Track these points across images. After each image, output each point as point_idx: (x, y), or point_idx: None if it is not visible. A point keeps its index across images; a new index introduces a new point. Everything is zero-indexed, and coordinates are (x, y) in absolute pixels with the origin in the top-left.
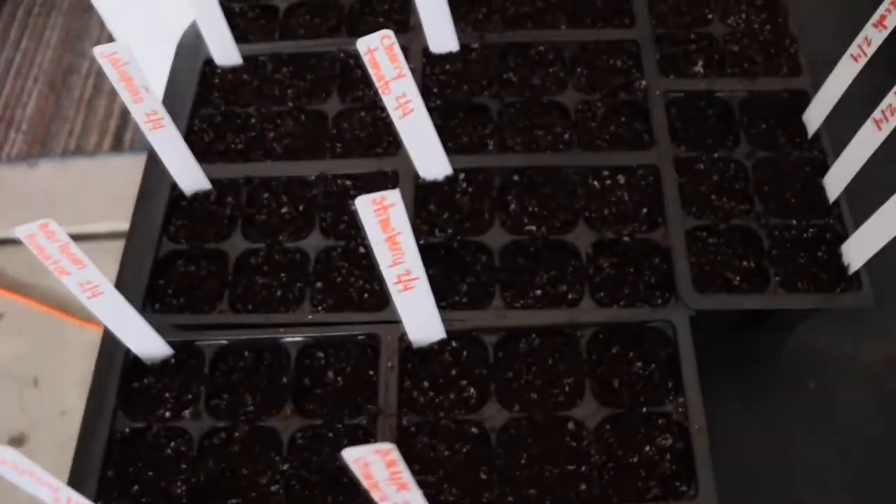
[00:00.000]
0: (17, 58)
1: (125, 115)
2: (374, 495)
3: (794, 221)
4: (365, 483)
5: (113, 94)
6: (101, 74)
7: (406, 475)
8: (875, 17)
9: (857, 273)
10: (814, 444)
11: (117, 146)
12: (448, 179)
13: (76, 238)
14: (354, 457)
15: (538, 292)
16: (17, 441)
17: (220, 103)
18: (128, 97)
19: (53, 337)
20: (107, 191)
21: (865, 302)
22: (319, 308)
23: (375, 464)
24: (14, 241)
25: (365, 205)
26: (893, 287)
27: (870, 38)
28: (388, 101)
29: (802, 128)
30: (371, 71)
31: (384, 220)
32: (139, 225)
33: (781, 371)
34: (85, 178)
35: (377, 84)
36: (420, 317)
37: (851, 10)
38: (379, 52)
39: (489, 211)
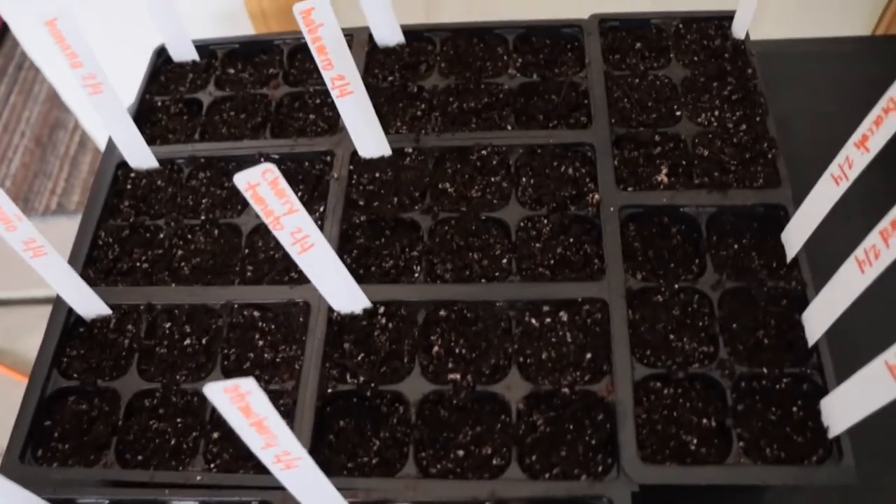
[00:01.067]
0: (5, 113)
1: None
2: None
3: (765, 370)
4: None
5: (98, 151)
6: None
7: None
8: (856, 136)
9: (837, 438)
10: None
11: None
12: (366, 313)
13: (45, 302)
14: None
15: (460, 453)
16: None
17: (129, 213)
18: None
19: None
20: None
21: (846, 477)
22: (212, 466)
23: None
24: None
25: (217, 394)
26: (880, 446)
27: (851, 160)
28: (283, 238)
29: (780, 250)
30: (256, 207)
31: (243, 407)
32: (39, 358)
33: None
34: (66, 237)
35: (266, 220)
36: (312, 492)
37: (841, 99)
38: (262, 187)
39: (409, 353)
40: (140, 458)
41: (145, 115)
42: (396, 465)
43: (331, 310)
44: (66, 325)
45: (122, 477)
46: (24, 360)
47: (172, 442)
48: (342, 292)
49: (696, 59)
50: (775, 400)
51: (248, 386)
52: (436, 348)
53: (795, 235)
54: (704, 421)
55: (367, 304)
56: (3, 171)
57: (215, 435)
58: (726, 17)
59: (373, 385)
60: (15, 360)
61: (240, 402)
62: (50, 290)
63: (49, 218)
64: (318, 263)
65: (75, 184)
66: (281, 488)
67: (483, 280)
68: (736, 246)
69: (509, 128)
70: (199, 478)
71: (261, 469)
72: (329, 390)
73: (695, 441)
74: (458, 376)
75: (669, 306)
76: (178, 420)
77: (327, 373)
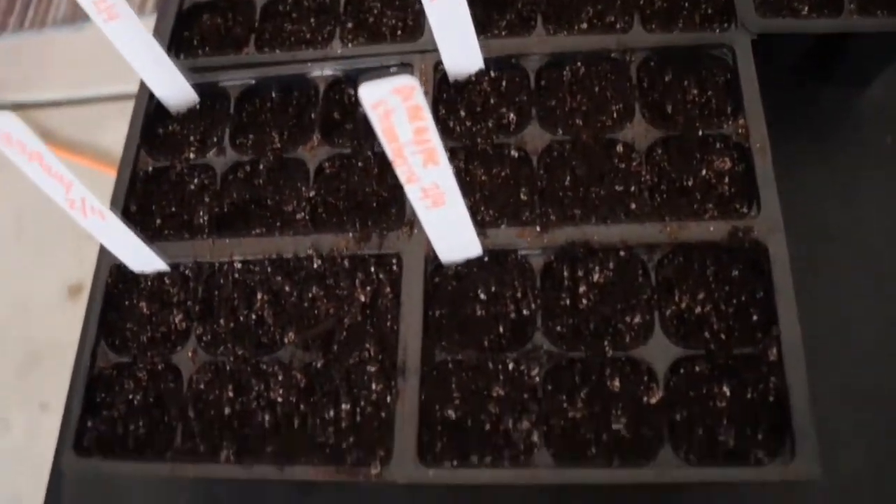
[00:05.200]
0: None
1: None
2: (399, 169)
3: None
4: (388, 149)
5: None
6: None
7: (433, 137)
8: None
9: None
10: (886, 201)
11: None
12: None
13: (121, 97)
14: (375, 100)
15: (583, 25)
16: (76, 289)
17: None
18: None
19: (106, 195)
20: None
21: None
22: (349, 44)
23: (398, 114)
24: (66, 102)
25: None
26: None
27: None
28: None
29: None
30: None
31: None
32: None
33: (855, 124)
34: None
35: None
36: (455, 42)
37: None
38: None
39: None
40: (278, 51)
41: None
42: (525, 33)
43: None
44: None
45: (264, 59)
46: (101, 153)
47: (308, 35)
48: None
49: None
50: None
51: None
52: None
53: None
54: None
55: None
56: None
57: (349, 25)
58: None
59: None
60: (96, 152)
61: None
62: (123, 86)
63: None
64: None
65: None
66: (419, 51)
67: None
68: None
69: None
70: (339, 51)
71: (397, 39)
72: None
73: (806, 8)
74: None
75: None
76: (312, 19)
77: None
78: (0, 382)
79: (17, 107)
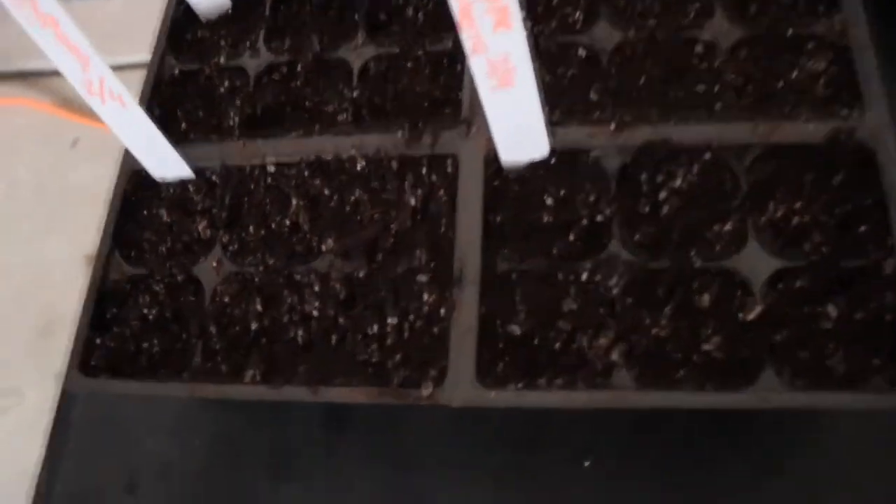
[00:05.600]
0: None
1: None
2: (465, 34)
3: None
4: (455, 7)
5: None
6: None
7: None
8: None
9: None
10: None
11: None
12: None
13: (136, 66)
14: None
15: None
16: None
17: None
18: None
19: None
20: None
21: None
22: None
23: None
24: None
25: None
26: None
27: None
28: None
29: None
30: None
31: None
32: None
33: None
34: (156, 9)
35: None
36: None
37: None
38: None
39: None
40: None
41: None
42: None
43: None
44: None
45: None
46: None
47: None
48: None
49: None
50: None
51: None
52: None
53: None
54: None
55: None
56: None
57: None
58: None
59: None
60: None
61: None
62: (137, 55)
63: None
64: None
65: None
66: None
67: None
68: None
69: None
70: None
71: None
72: None
73: None
74: None
75: None
76: None
77: None
78: (14, 352)
79: (34, 74)
